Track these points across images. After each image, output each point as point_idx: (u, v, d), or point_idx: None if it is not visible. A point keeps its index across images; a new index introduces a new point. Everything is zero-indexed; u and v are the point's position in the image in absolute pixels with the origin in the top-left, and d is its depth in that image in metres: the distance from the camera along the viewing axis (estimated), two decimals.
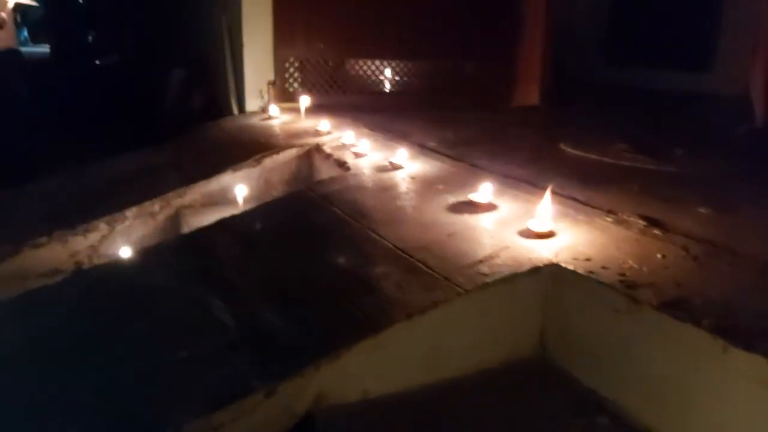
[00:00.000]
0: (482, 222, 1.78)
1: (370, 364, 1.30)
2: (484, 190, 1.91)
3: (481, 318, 1.41)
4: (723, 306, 1.19)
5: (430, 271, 1.49)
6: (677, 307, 1.19)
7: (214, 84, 4.50)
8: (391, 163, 2.46)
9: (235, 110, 4.14)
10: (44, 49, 18.15)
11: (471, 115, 4.14)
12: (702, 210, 1.92)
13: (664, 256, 1.47)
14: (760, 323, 1.10)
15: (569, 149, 2.93)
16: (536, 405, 1.35)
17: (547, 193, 1.72)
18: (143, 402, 1.25)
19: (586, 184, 2.23)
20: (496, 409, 1.33)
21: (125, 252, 2.54)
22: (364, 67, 4.34)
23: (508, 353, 1.46)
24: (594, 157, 2.76)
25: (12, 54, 4.13)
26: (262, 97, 4.05)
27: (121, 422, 1.22)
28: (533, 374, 1.44)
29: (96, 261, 2.65)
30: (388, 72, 4.43)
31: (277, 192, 2.96)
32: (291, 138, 3.19)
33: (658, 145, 3.00)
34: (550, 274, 1.44)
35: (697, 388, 1.13)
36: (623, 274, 1.36)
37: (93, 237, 2.64)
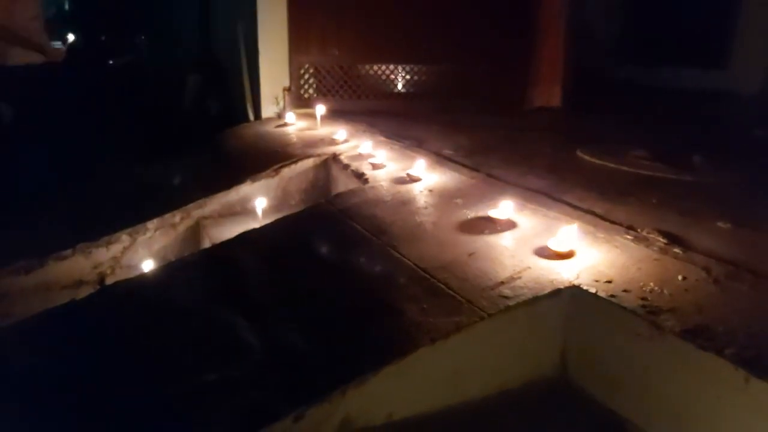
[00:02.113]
0: (502, 240, 1.80)
1: (395, 388, 1.32)
2: (503, 207, 1.92)
3: (504, 341, 1.43)
4: (746, 335, 1.20)
5: (453, 293, 1.51)
6: (699, 334, 1.20)
7: (230, 90, 4.53)
8: (408, 174, 2.48)
9: (252, 117, 4.18)
10: (57, 46, 18.22)
11: (487, 119, 4.16)
12: (721, 224, 1.92)
13: (685, 278, 1.48)
14: None
15: (587, 157, 2.93)
16: (558, 425, 1.37)
17: (573, 226, 1.72)
18: (173, 427, 1.28)
19: (604, 195, 2.24)
20: (518, 430, 1.35)
21: (147, 265, 2.59)
22: (379, 72, 4.36)
23: (530, 373, 1.48)
24: (612, 165, 2.76)
25: None
26: (278, 104, 4.09)
27: None
28: (554, 394, 1.46)
29: (119, 272, 2.70)
30: (402, 76, 4.45)
31: (294, 201, 2.99)
32: (308, 147, 3.22)
33: (676, 152, 3.00)
34: (572, 296, 1.45)
35: (719, 416, 1.14)
36: (645, 298, 1.37)
37: (115, 248, 2.69)
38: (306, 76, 4.16)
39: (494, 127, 3.84)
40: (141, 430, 1.30)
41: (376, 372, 1.30)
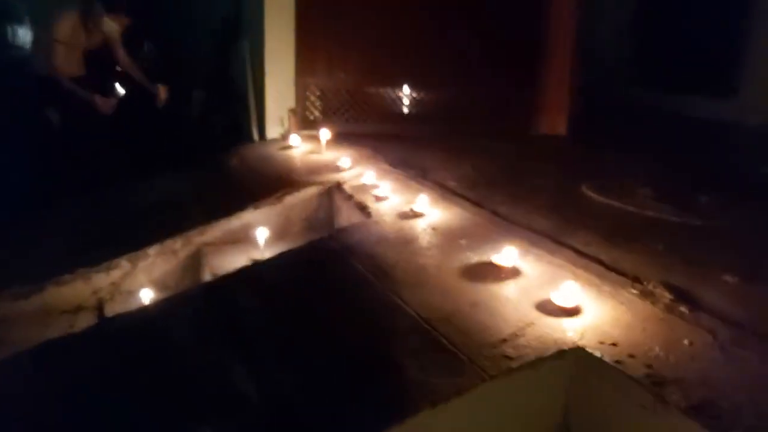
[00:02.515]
0: (506, 290, 1.77)
1: None
2: (507, 253, 1.91)
3: (505, 402, 1.41)
4: (752, 413, 1.18)
5: (454, 350, 1.49)
6: (704, 411, 1.18)
7: (235, 108, 4.52)
8: (412, 210, 2.46)
9: (256, 137, 4.17)
10: None
11: (493, 145, 4.14)
12: (728, 278, 1.90)
13: (691, 343, 1.45)
14: None
15: (592, 194, 2.91)
16: None
17: (577, 285, 1.70)
18: None
19: (610, 240, 2.22)
20: None
21: (147, 293, 2.57)
22: (385, 95, 4.35)
23: (533, 430, 1.45)
24: (617, 204, 2.74)
25: None
26: (283, 125, 4.07)
27: None
28: None
29: (118, 298, 2.68)
30: (408, 99, 4.44)
31: (297, 229, 2.97)
32: (312, 173, 3.20)
33: (683, 190, 2.98)
34: (576, 358, 1.43)
35: None
36: (650, 366, 1.35)
37: (115, 274, 2.67)
38: (312, 98, 4.15)
39: (499, 155, 3.83)
40: None
41: None
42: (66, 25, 3.75)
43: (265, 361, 1.64)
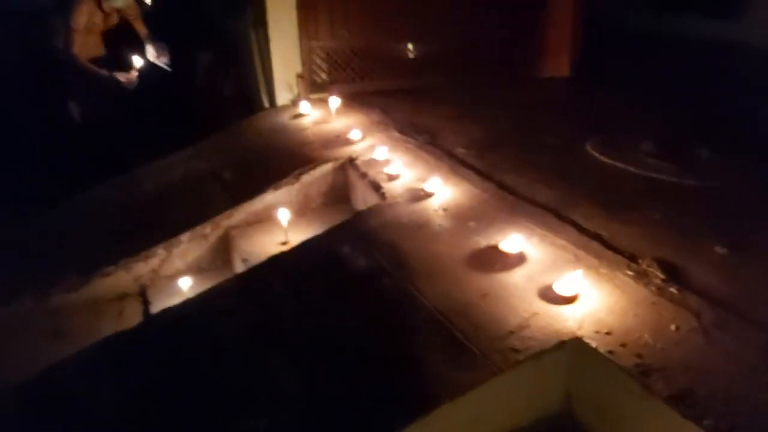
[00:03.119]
0: (513, 278, 1.96)
1: None
2: (513, 240, 2.08)
3: (515, 389, 1.63)
4: (724, 400, 1.38)
5: (469, 345, 1.69)
6: (683, 400, 1.39)
7: (242, 74, 4.59)
8: (423, 190, 2.62)
9: (266, 103, 4.26)
10: None
11: (498, 95, 4.22)
12: (718, 249, 2.06)
13: (677, 328, 1.65)
14: (753, 422, 1.29)
15: (595, 153, 3.02)
16: None
17: (579, 272, 1.87)
18: None
19: (610, 211, 2.37)
20: None
21: (184, 282, 2.79)
22: (390, 51, 4.38)
23: (538, 413, 1.68)
24: (620, 165, 2.87)
25: None
26: (292, 91, 4.16)
27: None
28: (561, 430, 1.67)
29: (158, 282, 2.92)
30: (413, 53, 4.47)
31: (315, 204, 3.16)
32: (324, 146, 3.34)
33: (684, 142, 3.08)
34: (574, 348, 1.63)
35: None
36: (639, 355, 1.55)
37: (153, 262, 2.90)
38: (318, 61, 4.20)
39: (505, 108, 3.92)
40: None
41: (404, 429, 1.50)
42: (82, 12, 3.84)
43: (299, 353, 1.86)
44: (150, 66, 4.36)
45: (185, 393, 1.83)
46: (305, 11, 4.05)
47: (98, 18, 3.94)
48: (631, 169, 2.81)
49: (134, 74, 4.18)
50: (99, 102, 4.00)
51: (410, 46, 4.44)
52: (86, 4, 3.85)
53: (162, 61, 4.40)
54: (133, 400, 1.86)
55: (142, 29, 4.32)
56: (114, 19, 4.06)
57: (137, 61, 4.26)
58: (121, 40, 4.27)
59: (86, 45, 3.91)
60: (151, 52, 4.32)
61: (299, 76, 4.15)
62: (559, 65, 4.74)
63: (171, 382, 1.89)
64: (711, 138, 3.10)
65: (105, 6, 3.91)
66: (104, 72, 4.03)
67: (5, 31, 4.81)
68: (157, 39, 4.40)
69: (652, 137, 3.09)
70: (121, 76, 4.07)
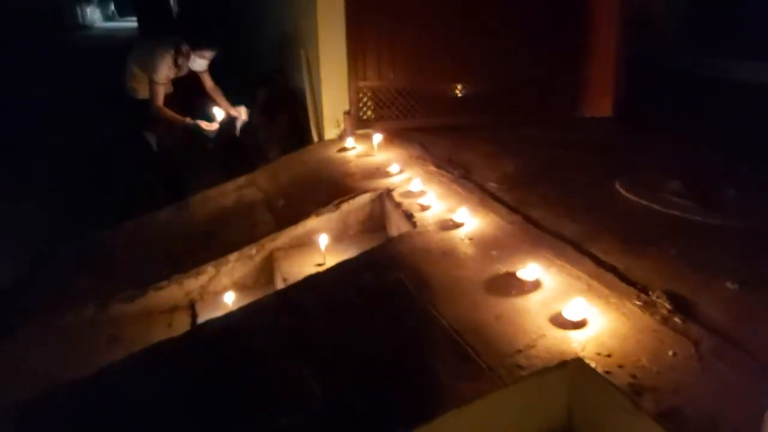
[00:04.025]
0: (527, 303, 2.10)
1: None
2: (531, 269, 2.22)
3: (518, 403, 1.76)
4: (708, 420, 1.47)
5: (478, 360, 1.84)
6: (671, 418, 1.49)
7: (295, 110, 4.92)
8: (452, 220, 2.79)
9: (315, 137, 4.56)
10: (131, 23, 19.28)
11: (536, 134, 4.37)
12: (729, 285, 2.14)
13: (675, 354, 1.74)
14: None
15: (623, 191, 3.13)
16: None
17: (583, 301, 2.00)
18: None
19: (628, 245, 2.47)
20: None
21: (229, 296, 3.03)
22: (432, 91, 4.62)
23: (540, 427, 1.80)
24: (645, 203, 2.96)
25: None
26: (339, 126, 4.44)
27: None
28: None
29: (206, 298, 3.18)
30: (455, 93, 4.70)
31: (353, 232, 3.37)
32: (365, 178, 3.57)
33: (713, 183, 3.15)
34: (576, 368, 1.75)
35: None
36: (634, 375, 1.66)
37: (203, 278, 3.16)
38: (365, 100, 4.48)
39: (541, 146, 4.06)
40: None
41: (412, 430, 1.65)
42: (164, 68, 4.28)
43: (326, 364, 2.04)
44: (229, 118, 4.75)
45: (222, 393, 2.03)
46: (355, 54, 4.35)
47: (173, 71, 4.38)
48: (655, 206, 2.91)
49: (215, 125, 4.56)
50: (172, 134, 4.39)
51: (452, 86, 4.67)
52: (166, 61, 4.29)
53: (240, 121, 4.77)
54: (177, 398, 2.08)
55: (209, 86, 4.72)
56: (184, 70, 4.49)
57: (219, 114, 4.64)
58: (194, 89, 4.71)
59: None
60: (219, 111, 4.68)
61: (346, 113, 4.44)
62: (601, 105, 4.86)
63: (210, 383, 2.10)
64: (743, 179, 3.15)
65: (179, 61, 4.34)
66: (189, 121, 4.44)
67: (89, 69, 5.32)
68: (236, 102, 4.79)
69: (682, 177, 3.17)
70: (204, 125, 4.47)
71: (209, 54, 4.48)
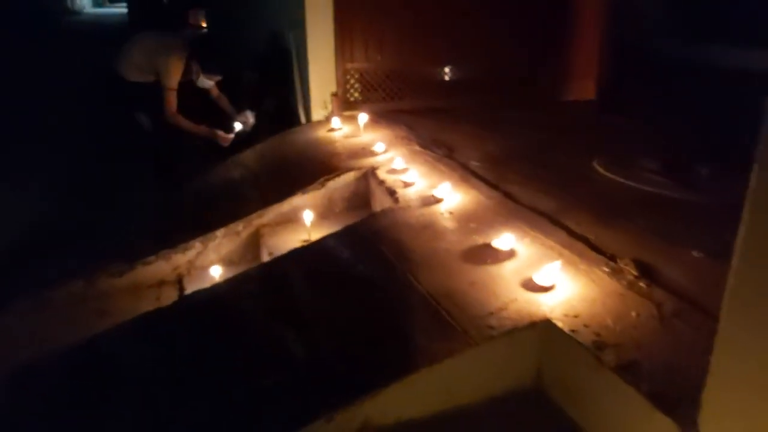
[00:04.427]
0: (500, 270, 2.18)
1: (402, 399, 1.76)
2: (506, 239, 2.30)
3: (488, 362, 1.84)
4: (665, 371, 1.57)
5: (452, 322, 1.92)
6: (629, 369, 1.58)
7: (284, 89, 4.96)
8: (433, 196, 2.87)
9: (303, 119, 4.62)
10: (121, 9, 19.11)
11: (520, 116, 4.44)
12: (695, 253, 2.24)
13: (638, 315, 1.84)
14: (685, 390, 1.47)
15: (600, 169, 3.22)
16: (527, 427, 1.78)
17: (557, 263, 2.08)
18: (245, 418, 1.77)
19: (602, 218, 2.56)
20: (496, 429, 1.78)
21: (215, 270, 3.10)
22: (418, 73, 4.68)
23: (511, 385, 1.89)
24: (620, 180, 3.06)
25: None
26: (326, 108, 4.50)
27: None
28: (529, 403, 1.87)
29: (193, 273, 3.25)
30: (441, 76, 4.77)
31: (338, 209, 3.44)
32: (350, 157, 3.63)
33: (687, 162, 3.24)
34: (543, 327, 1.84)
35: None
36: (598, 334, 1.75)
37: (190, 254, 3.22)
38: (352, 82, 4.54)
39: (523, 128, 4.14)
40: (222, 420, 1.79)
41: (387, 386, 1.74)
42: (177, 74, 4.26)
43: (309, 329, 2.13)
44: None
45: (210, 357, 2.11)
46: (342, 36, 4.40)
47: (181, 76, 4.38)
48: (630, 183, 3.00)
49: (231, 136, 4.57)
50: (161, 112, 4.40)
51: (438, 70, 4.74)
52: (180, 68, 4.26)
53: (248, 125, 4.77)
54: (166, 362, 2.16)
55: (216, 95, 4.75)
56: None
57: (238, 126, 4.64)
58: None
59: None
60: (239, 122, 4.69)
61: (334, 95, 4.49)
62: (583, 89, 4.95)
63: (199, 348, 2.18)
64: (719, 159, 3.25)
65: (187, 73, 4.34)
66: (205, 129, 4.47)
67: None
68: (242, 109, 4.81)
69: (658, 157, 3.26)
70: (221, 134, 4.50)
71: (217, 78, 4.52)
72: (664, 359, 1.63)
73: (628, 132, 4.06)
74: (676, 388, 1.50)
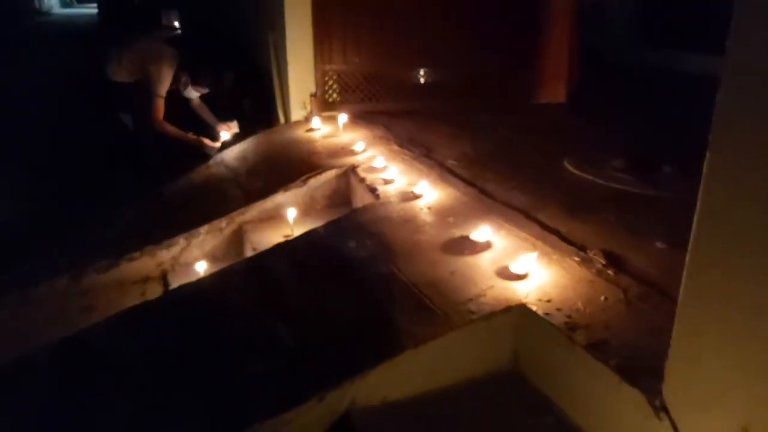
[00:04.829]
0: (478, 260, 2.31)
1: (387, 380, 1.87)
2: (483, 231, 2.43)
3: (469, 344, 1.96)
4: (629, 347, 1.70)
5: (434, 308, 2.04)
6: (598, 347, 1.71)
7: (263, 91, 5.04)
8: (413, 192, 2.98)
9: (282, 119, 4.70)
10: (91, 10, 18.85)
11: (494, 119, 4.60)
12: (659, 244, 2.39)
13: (606, 299, 1.98)
14: (649, 364, 1.61)
15: (571, 168, 3.38)
16: (505, 406, 1.90)
17: (532, 255, 2.22)
18: (236, 403, 1.86)
19: (573, 213, 2.71)
20: (476, 409, 1.90)
21: (200, 266, 3.16)
22: (395, 76, 4.81)
23: (489, 366, 2.01)
24: (589, 178, 3.22)
25: None
26: (305, 108, 4.59)
27: (222, 417, 1.83)
28: (507, 383, 1.99)
29: (177, 269, 3.30)
30: (418, 79, 4.90)
31: (320, 206, 3.54)
32: (331, 156, 3.73)
33: (652, 161, 3.42)
34: (519, 311, 1.97)
35: (606, 406, 1.66)
36: (570, 316, 1.88)
37: (174, 250, 3.28)
38: (330, 83, 4.64)
39: (498, 130, 4.29)
40: (212, 404, 1.87)
41: (374, 368, 1.84)
42: (167, 82, 4.28)
43: (296, 318, 2.22)
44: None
45: (199, 348, 2.18)
46: (321, 38, 4.50)
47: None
48: (599, 181, 3.16)
49: (218, 144, 4.58)
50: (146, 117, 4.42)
51: (415, 73, 4.87)
52: (170, 77, 4.30)
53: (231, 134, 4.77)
54: (154, 354, 2.22)
55: (197, 104, 4.79)
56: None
57: (224, 135, 4.65)
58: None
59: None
60: (225, 133, 4.70)
61: (312, 95, 4.59)
62: (555, 92, 5.13)
63: (187, 340, 2.25)
64: (680, 157, 3.43)
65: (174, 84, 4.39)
66: (191, 136, 4.50)
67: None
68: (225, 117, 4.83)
69: (625, 156, 3.44)
70: (208, 142, 4.52)
71: (204, 91, 4.58)
72: (631, 338, 1.76)
73: (597, 133, 4.23)
74: (641, 362, 1.64)
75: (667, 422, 1.45)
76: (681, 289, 1.40)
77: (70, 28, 15.33)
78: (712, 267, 1.34)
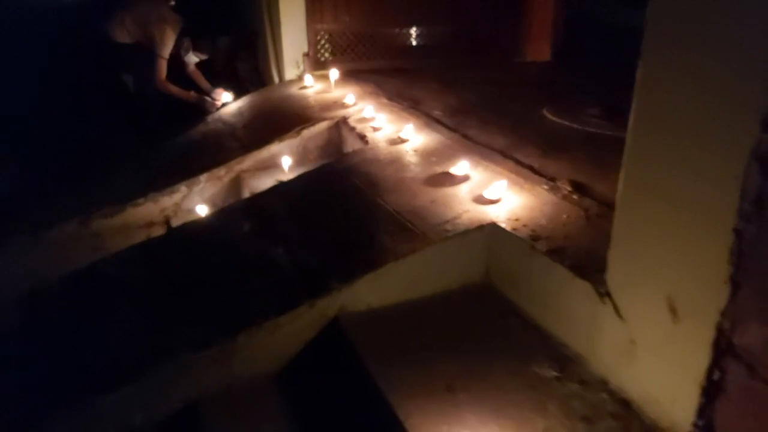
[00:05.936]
0: (456, 191, 2.52)
1: (372, 289, 2.10)
2: (461, 165, 2.64)
3: (445, 259, 2.19)
4: (584, 252, 1.93)
5: (414, 229, 2.26)
6: (557, 253, 1.94)
7: (257, 53, 5.20)
8: (399, 137, 3.19)
9: (276, 79, 4.87)
10: None
11: (481, 75, 4.77)
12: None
13: (567, 216, 2.20)
14: (599, 265, 1.83)
15: (549, 115, 3.58)
16: (476, 311, 2.14)
17: (503, 181, 2.43)
18: (236, 310, 2.08)
19: (547, 152, 2.92)
20: (451, 314, 2.13)
21: (201, 208, 3.38)
22: (385, 34, 4.97)
23: (464, 279, 2.24)
24: (566, 123, 3.42)
25: None
26: (299, 67, 4.76)
27: (224, 322, 2.06)
28: (478, 292, 2.22)
29: (180, 214, 3.51)
30: (408, 37, 5.06)
31: (313, 156, 3.74)
32: (323, 110, 3.93)
33: (625, 109, 3.61)
34: (490, 229, 2.19)
35: (561, 301, 1.89)
36: (534, 230, 2.10)
37: (176, 196, 3.49)
38: (322, 42, 4.81)
39: (483, 85, 4.47)
40: (221, 312, 2.10)
41: (360, 278, 2.07)
42: (171, 45, 4.48)
43: (291, 243, 2.44)
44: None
45: (203, 272, 2.41)
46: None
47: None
48: (575, 126, 3.36)
49: (219, 104, 4.73)
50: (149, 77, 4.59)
51: (404, 31, 5.03)
52: (173, 40, 4.49)
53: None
54: (163, 279, 2.45)
55: (192, 70, 4.96)
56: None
57: (226, 97, 4.79)
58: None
59: None
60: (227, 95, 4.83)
61: (305, 55, 4.76)
62: (540, 50, 5.31)
63: (193, 266, 2.48)
64: None
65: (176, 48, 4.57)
66: (193, 95, 4.68)
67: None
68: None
69: (601, 104, 3.63)
70: (208, 103, 4.69)
71: (204, 57, 4.77)
72: (586, 245, 1.99)
73: (577, 86, 4.42)
74: (592, 263, 1.86)
75: (610, 305, 1.68)
76: (619, 184, 1.61)
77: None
78: (646, 163, 1.55)
